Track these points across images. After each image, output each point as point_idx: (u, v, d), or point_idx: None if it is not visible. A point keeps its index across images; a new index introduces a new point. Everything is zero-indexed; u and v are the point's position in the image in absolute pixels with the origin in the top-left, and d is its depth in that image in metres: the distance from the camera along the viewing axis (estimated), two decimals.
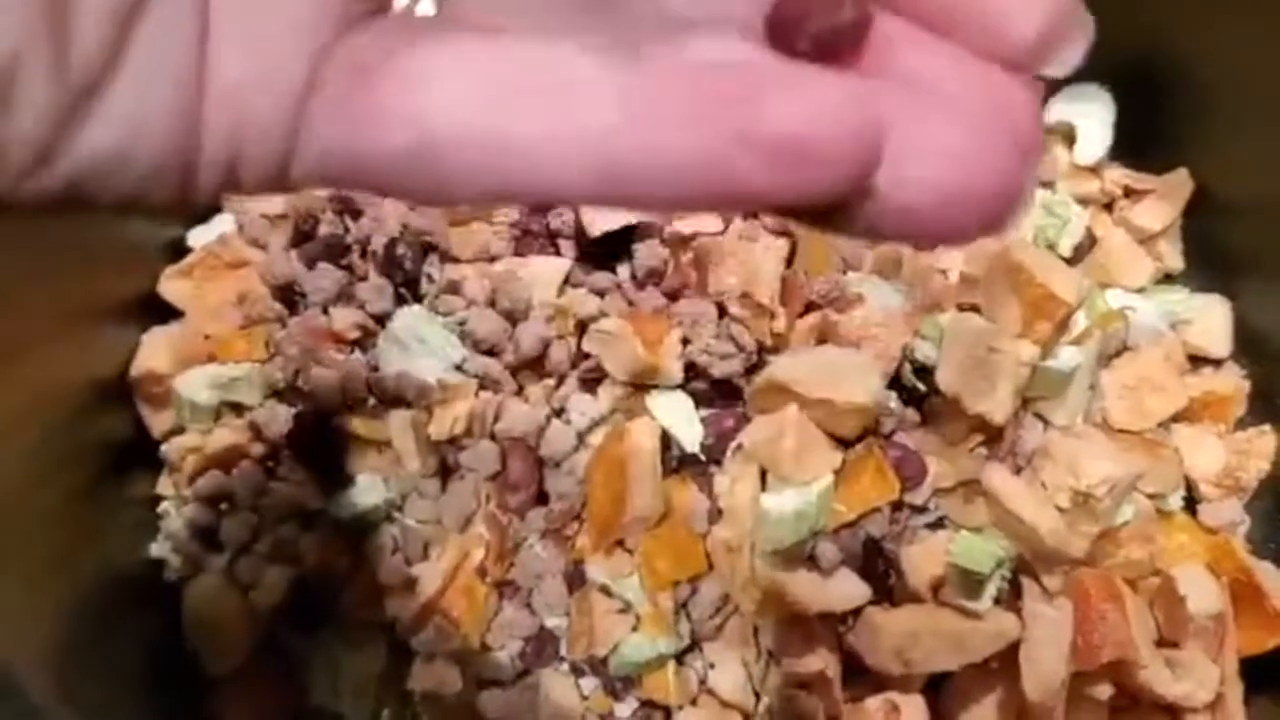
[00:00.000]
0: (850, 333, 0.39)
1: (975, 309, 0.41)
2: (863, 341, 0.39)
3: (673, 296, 0.41)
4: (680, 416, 0.39)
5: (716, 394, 0.39)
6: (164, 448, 0.43)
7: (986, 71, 0.15)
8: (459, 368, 0.40)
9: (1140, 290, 0.49)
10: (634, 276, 0.41)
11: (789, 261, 0.41)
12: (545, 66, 0.15)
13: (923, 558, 0.38)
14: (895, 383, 0.40)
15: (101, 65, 0.14)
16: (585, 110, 0.14)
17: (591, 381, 0.40)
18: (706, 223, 0.41)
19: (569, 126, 0.14)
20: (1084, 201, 0.51)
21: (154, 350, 0.44)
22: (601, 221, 0.41)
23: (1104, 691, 0.40)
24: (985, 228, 0.15)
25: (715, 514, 0.39)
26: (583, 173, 0.15)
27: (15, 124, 0.14)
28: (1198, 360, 0.48)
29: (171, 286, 0.45)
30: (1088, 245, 0.50)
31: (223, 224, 0.47)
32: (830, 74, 0.14)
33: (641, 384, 0.39)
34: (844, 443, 0.39)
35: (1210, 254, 0.50)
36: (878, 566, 0.38)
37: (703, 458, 0.39)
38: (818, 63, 0.14)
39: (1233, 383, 0.48)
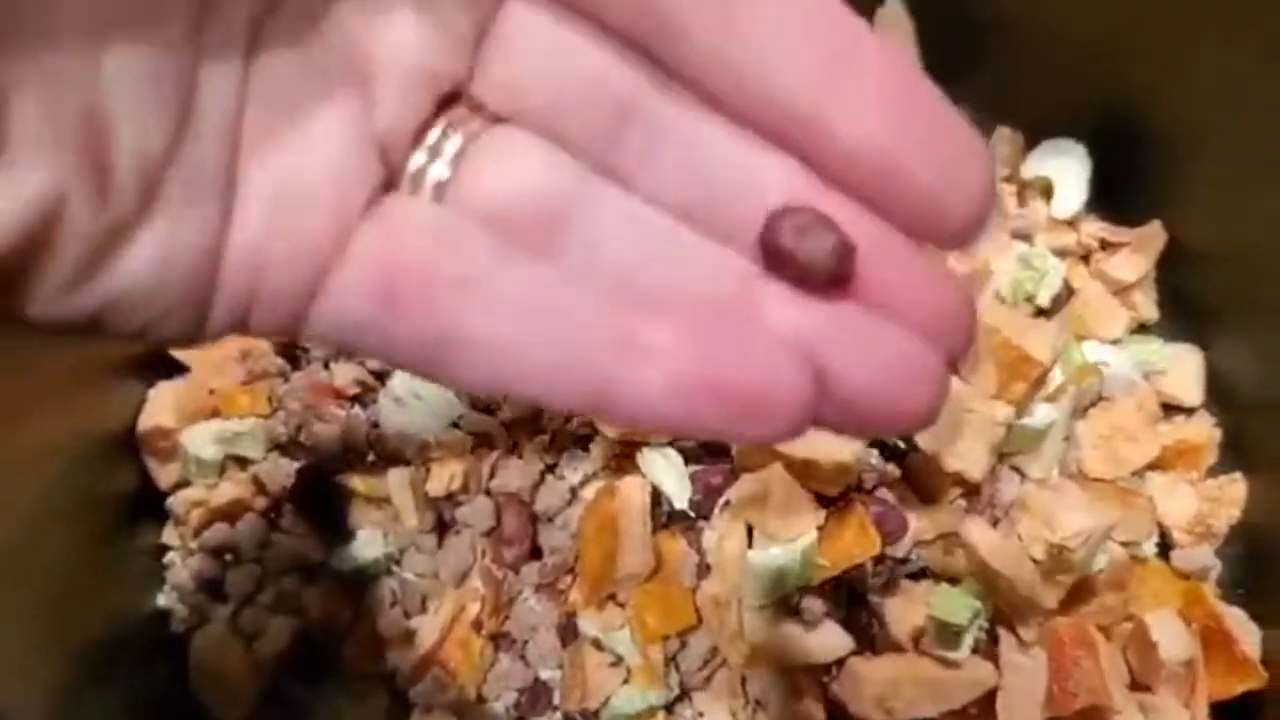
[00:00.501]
0: None
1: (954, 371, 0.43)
2: None
3: None
4: (670, 473, 0.40)
5: (705, 451, 0.41)
6: (170, 500, 0.45)
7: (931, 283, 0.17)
8: (456, 425, 0.42)
9: (1115, 341, 0.50)
10: None
11: None
12: (565, 303, 0.16)
13: (904, 608, 0.40)
14: (878, 441, 0.41)
15: (136, 205, 0.16)
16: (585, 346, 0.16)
17: (583, 438, 0.42)
18: None
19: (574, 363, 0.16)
20: (1061, 254, 0.52)
21: (160, 405, 0.45)
22: None
23: None
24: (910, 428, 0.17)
25: (704, 569, 0.40)
26: (579, 399, 0.16)
27: (55, 257, 0.15)
28: (1171, 409, 0.50)
29: None
30: (1065, 297, 0.51)
31: None
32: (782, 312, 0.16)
33: (632, 441, 0.41)
34: (827, 500, 0.40)
35: (1183, 304, 0.51)
36: (860, 618, 0.40)
37: (691, 514, 0.40)
38: (805, 288, 0.16)
39: (1205, 431, 0.49)
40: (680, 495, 0.40)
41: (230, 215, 0.17)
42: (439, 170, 0.18)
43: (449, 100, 0.18)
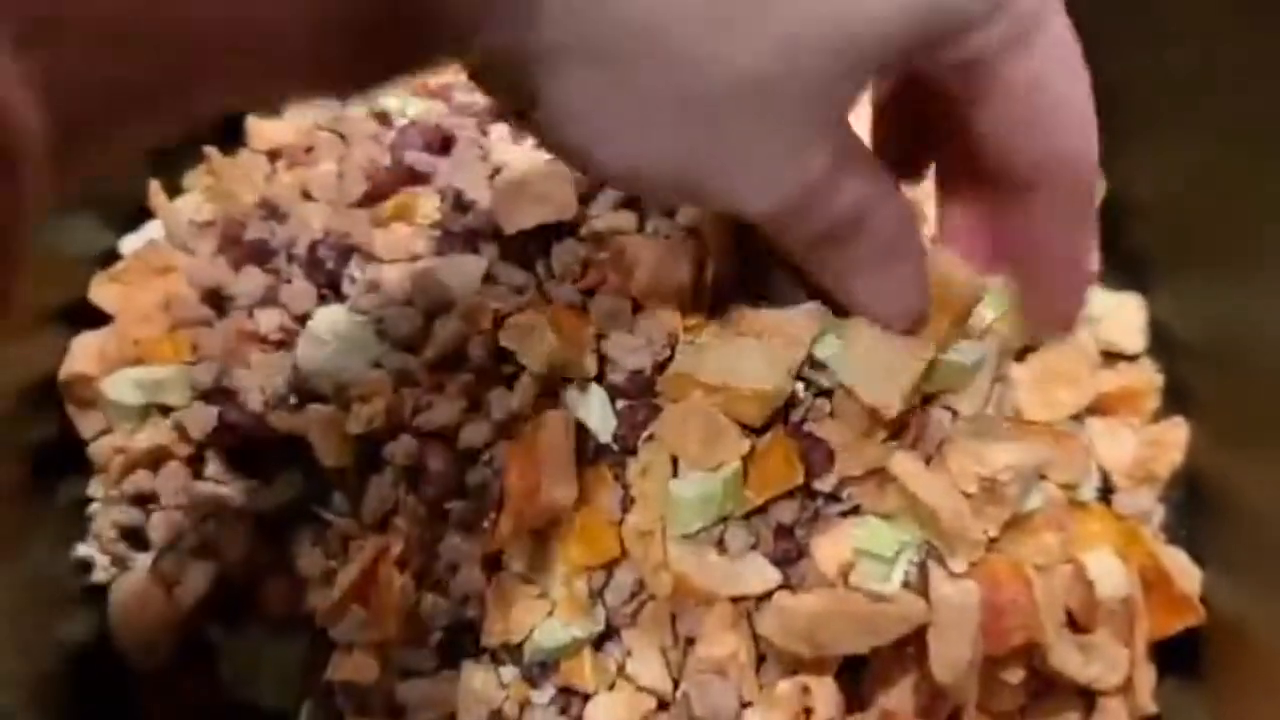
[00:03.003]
0: (758, 326, 0.40)
1: None
2: (770, 334, 0.40)
3: (589, 293, 0.42)
4: (594, 408, 0.40)
5: (631, 387, 0.40)
6: (91, 449, 0.44)
7: None
8: (377, 364, 0.41)
9: None
10: (551, 274, 0.42)
11: (700, 261, 0.42)
12: None
13: (831, 543, 0.39)
14: (802, 375, 0.41)
15: None
16: None
17: (509, 377, 0.41)
18: (621, 221, 0.42)
19: None
20: None
21: (83, 354, 0.45)
22: (518, 219, 0.42)
23: (1016, 675, 0.41)
24: None
25: (629, 502, 0.39)
26: None
27: None
28: (1113, 356, 0.50)
29: (101, 292, 0.46)
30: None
31: (152, 231, 0.48)
32: None
33: (557, 377, 0.40)
34: (754, 431, 0.40)
35: (1125, 254, 0.52)
36: (787, 551, 0.39)
37: (615, 448, 0.40)
38: None
39: (1146, 377, 0.49)
40: (605, 429, 0.40)
41: None
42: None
43: None
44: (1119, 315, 0.50)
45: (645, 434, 0.39)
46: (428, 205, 0.44)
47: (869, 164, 0.31)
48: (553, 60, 0.24)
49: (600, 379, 0.41)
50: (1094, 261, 0.34)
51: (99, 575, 0.43)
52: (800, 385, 0.40)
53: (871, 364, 0.39)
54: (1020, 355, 0.47)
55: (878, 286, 0.34)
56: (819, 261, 0.33)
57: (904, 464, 0.40)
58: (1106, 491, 0.47)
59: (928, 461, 0.42)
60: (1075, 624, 0.43)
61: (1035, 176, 0.32)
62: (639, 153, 0.26)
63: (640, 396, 0.40)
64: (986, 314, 0.43)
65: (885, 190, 0.32)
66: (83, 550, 0.43)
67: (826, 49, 0.25)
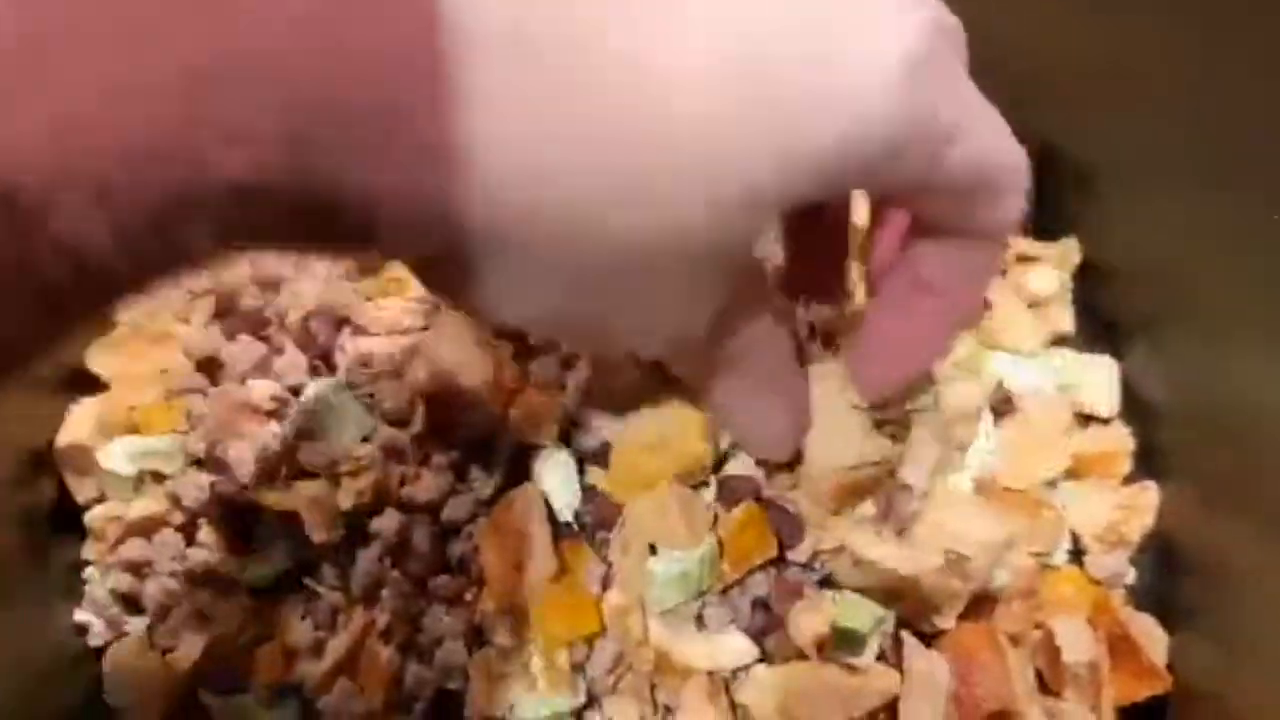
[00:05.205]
0: None
1: None
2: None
3: (566, 365, 0.43)
4: (560, 481, 0.41)
5: (601, 455, 0.41)
6: (87, 516, 0.45)
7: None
8: (366, 439, 0.42)
9: (1030, 354, 0.51)
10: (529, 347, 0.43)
11: None
12: None
13: (807, 616, 0.40)
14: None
15: None
16: None
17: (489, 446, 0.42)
18: None
19: None
20: None
21: (79, 421, 0.46)
22: None
23: None
24: None
25: (610, 576, 0.40)
26: None
27: None
28: (1087, 419, 0.51)
29: (98, 359, 0.47)
30: (982, 311, 0.52)
31: (150, 299, 0.49)
32: None
33: (527, 444, 0.41)
34: (726, 506, 0.41)
35: (1099, 318, 0.53)
36: (764, 625, 0.40)
37: (577, 527, 0.41)
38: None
39: (1119, 440, 0.50)
40: (567, 507, 0.41)
41: None
42: None
43: None
44: (1092, 379, 0.51)
45: (619, 522, 0.40)
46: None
47: (761, 301, 0.31)
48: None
49: (570, 443, 0.42)
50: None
51: (94, 639, 0.44)
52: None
53: (830, 430, 0.41)
54: (996, 421, 0.48)
55: (752, 414, 0.35)
56: (701, 385, 0.34)
57: (878, 548, 0.41)
58: (1078, 554, 0.48)
59: (900, 534, 0.43)
60: (1044, 687, 0.44)
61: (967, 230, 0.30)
62: (537, 313, 0.26)
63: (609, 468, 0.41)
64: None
65: (770, 328, 0.32)
66: (79, 615, 0.44)
67: (715, 217, 0.23)
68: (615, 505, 0.41)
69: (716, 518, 0.41)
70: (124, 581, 0.44)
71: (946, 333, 0.34)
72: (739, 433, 0.36)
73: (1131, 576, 0.48)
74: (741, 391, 0.33)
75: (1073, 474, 0.49)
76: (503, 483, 0.41)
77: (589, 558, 0.40)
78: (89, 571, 0.45)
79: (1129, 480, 0.49)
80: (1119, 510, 0.48)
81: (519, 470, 0.42)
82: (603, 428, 0.41)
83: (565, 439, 0.42)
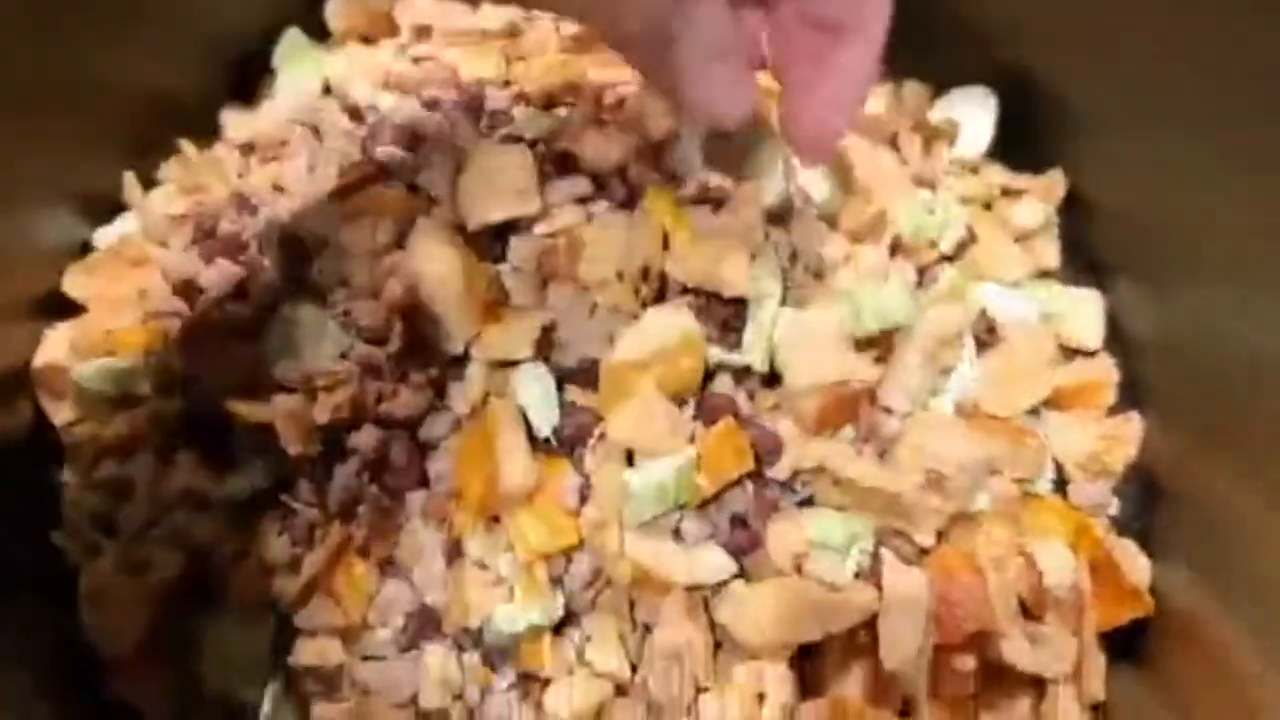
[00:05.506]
0: None
1: None
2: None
3: (544, 284, 0.43)
4: (538, 397, 0.41)
5: (580, 373, 0.41)
6: (64, 438, 0.45)
7: None
8: (344, 356, 0.42)
9: (1015, 284, 0.51)
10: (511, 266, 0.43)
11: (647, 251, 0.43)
12: None
13: (785, 533, 0.40)
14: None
15: None
16: None
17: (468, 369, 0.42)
18: (568, 216, 0.43)
19: None
20: (965, 200, 0.53)
21: (56, 344, 0.45)
22: (482, 213, 0.42)
23: (967, 664, 0.42)
24: None
25: (587, 488, 0.40)
26: None
27: None
28: (1072, 352, 0.51)
29: (75, 283, 0.47)
30: (969, 242, 0.52)
31: (126, 224, 0.49)
32: None
33: (505, 361, 0.41)
34: (705, 422, 0.41)
35: (1085, 252, 0.52)
36: (742, 542, 0.40)
37: (554, 442, 0.41)
38: None
39: (1104, 371, 0.50)
40: (545, 422, 0.40)
41: None
42: None
43: None
44: (1078, 311, 0.51)
45: (597, 434, 0.40)
46: (397, 199, 0.45)
47: None
48: None
49: (546, 358, 0.42)
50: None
51: (71, 562, 0.44)
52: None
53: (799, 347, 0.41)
54: (980, 350, 0.48)
55: (705, 77, 0.36)
56: (661, 69, 0.36)
57: (857, 464, 0.41)
58: (1061, 484, 0.48)
59: (881, 455, 0.43)
60: (1027, 612, 0.44)
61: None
62: None
63: (588, 386, 0.41)
64: None
65: (721, 7, 0.35)
66: (56, 538, 0.44)
67: None
68: (594, 418, 0.40)
69: (694, 436, 0.40)
70: (100, 502, 0.43)
71: (863, 78, 0.36)
72: (693, 94, 0.36)
73: (1115, 507, 0.48)
74: (695, 56, 0.35)
75: (1057, 404, 0.49)
76: (481, 399, 0.41)
77: (566, 471, 0.40)
78: (65, 495, 0.45)
79: (1113, 412, 0.49)
80: (1102, 440, 0.48)
81: (497, 387, 0.41)
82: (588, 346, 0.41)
83: (544, 358, 0.42)
